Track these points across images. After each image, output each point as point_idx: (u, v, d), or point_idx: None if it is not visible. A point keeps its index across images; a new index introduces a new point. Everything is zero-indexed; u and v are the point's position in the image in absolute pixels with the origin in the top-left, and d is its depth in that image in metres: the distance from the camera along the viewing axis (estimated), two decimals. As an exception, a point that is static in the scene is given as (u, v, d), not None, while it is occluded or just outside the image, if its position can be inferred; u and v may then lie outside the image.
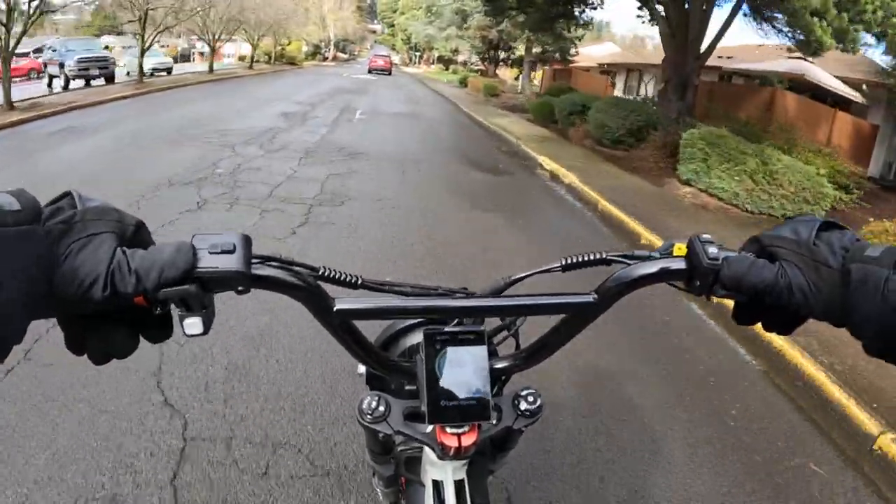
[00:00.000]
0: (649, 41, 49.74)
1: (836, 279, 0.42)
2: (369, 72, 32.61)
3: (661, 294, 3.18)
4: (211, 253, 0.42)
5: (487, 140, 10.00)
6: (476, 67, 47.68)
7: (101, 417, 1.92)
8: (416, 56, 62.12)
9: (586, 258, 0.54)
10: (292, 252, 3.51)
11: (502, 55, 20.85)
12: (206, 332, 0.44)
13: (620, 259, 0.53)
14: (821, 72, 10.60)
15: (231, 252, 0.42)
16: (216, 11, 20.40)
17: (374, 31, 79.85)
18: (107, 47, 21.70)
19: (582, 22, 14.70)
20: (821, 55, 8.05)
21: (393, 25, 68.94)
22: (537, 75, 31.72)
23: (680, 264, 0.49)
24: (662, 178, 6.99)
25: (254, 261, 0.45)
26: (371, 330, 0.65)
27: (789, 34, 8.17)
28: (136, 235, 0.42)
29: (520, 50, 19.92)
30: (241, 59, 36.68)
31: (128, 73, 22.14)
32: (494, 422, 0.59)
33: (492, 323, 0.65)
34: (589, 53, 28.02)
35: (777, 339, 2.84)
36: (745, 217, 5.74)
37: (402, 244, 3.97)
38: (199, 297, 0.42)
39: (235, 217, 4.25)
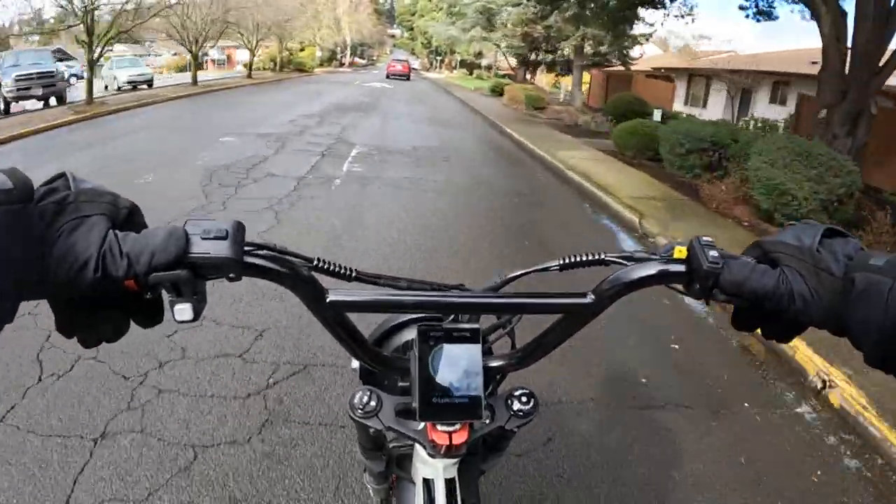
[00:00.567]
0: (677, 40, 44.98)
1: (838, 287, 0.41)
2: (387, 77, 30.88)
3: None
4: (203, 238, 0.41)
5: (571, 203, 5.96)
6: (503, 72, 43.92)
7: None
8: (436, 60, 58.51)
9: (584, 258, 0.53)
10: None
11: (545, 57, 16.79)
12: (195, 318, 0.43)
13: (619, 260, 0.52)
14: None
15: (224, 238, 0.41)
16: (198, 12, 16.88)
17: (392, 36, 77.47)
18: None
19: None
20: None
21: (412, 29, 65.80)
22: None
23: (679, 267, 0.48)
24: None
25: (247, 248, 0.44)
26: (367, 324, 0.61)
27: None
28: (130, 219, 0.42)
29: (566, 50, 15.79)
30: (246, 66, 33.44)
31: (106, 88, 19.06)
32: (487, 421, 0.57)
33: (488, 321, 0.66)
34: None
35: None
36: None
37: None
38: (191, 283, 0.41)
39: None
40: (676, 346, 2.83)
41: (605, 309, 0.52)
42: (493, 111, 14.31)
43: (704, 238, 0.47)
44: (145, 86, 18.86)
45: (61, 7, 11.99)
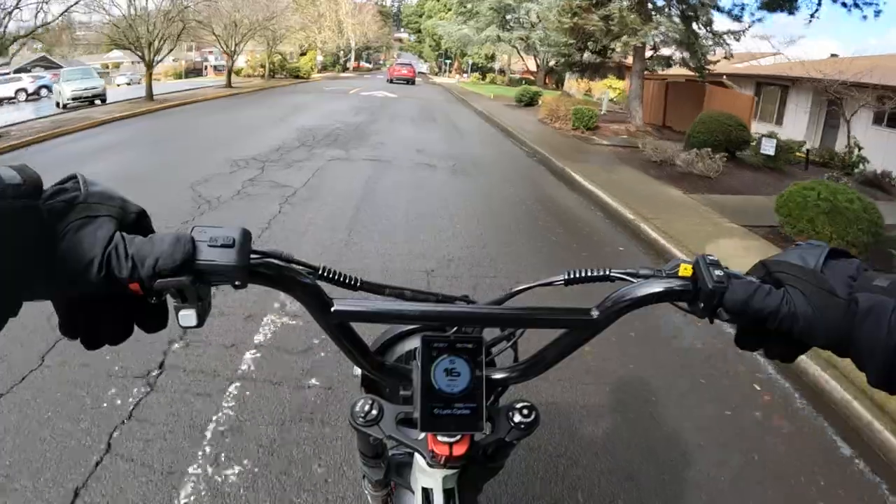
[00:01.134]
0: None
1: (842, 308, 0.41)
2: (390, 82, 28.89)
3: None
4: (210, 246, 0.41)
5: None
6: (517, 76, 40.17)
7: None
8: (445, 64, 54.83)
9: (590, 273, 0.53)
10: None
11: (593, 59, 12.96)
12: (200, 324, 0.43)
13: (625, 276, 0.52)
14: None
15: (230, 246, 0.41)
16: (148, 13, 13.29)
17: (400, 40, 74.26)
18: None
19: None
20: None
21: (419, 31, 62.25)
22: (617, 89, 23.77)
23: (685, 285, 0.48)
24: None
25: (253, 256, 0.44)
26: (369, 329, 0.58)
27: None
28: (138, 223, 0.42)
29: (619, 48, 11.95)
30: (237, 73, 29.90)
31: (58, 105, 15.75)
32: (487, 433, 0.57)
33: (492, 332, 0.64)
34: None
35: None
36: None
37: None
38: (195, 289, 0.41)
39: None
40: None
41: (609, 325, 0.51)
42: (535, 135, 10.44)
43: (710, 256, 0.47)
44: (99, 101, 15.54)
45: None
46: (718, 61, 12.50)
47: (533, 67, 34.21)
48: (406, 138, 9.56)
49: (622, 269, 0.52)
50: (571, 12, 10.52)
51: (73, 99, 14.92)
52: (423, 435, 0.54)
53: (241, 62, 27.62)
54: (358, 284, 0.51)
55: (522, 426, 0.58)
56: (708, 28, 11.63)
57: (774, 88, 16.79)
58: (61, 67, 45.19)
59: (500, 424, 0.58)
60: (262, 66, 26.08)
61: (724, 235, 4.82)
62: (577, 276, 0.53)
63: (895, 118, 10.44)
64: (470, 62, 44.80)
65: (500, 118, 13.18)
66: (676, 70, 13.17)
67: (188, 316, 0.42)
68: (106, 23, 13.41)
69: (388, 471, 0.74)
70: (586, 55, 12.94)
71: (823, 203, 4.39)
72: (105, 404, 2.05)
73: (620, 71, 18.50)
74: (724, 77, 15.25)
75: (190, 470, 1.76)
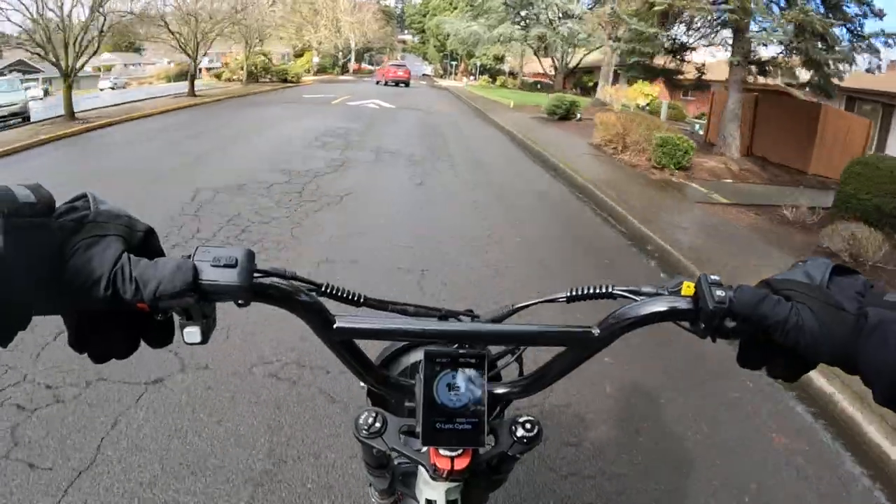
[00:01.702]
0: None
1: (850, 323, 0.41)
2: (385, 84, 27.68)
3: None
4: (213, 266, 0.42)
5: None
6: (531, 80, 36.44)
7: None
8: (451, 66, 51.19)
9: (592, 290, 0.53)
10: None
11: (663, 61, 9.36)
12: (204, 341, 0.44)
13: (627, 294, 0.52)
14: None
15: (233, 266, 0.42)
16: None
17: (403, 42, 70.97)
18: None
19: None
20: None
21: (423, 31, 58.61)
22: (650, 95, 20.11)
23: (687, 304, 0.47)
24: None
25: (256, 274, 0.45)
26: (373, 343, 0.56)
27: None
28: (145, 241, 0.43)
29: (698, 52, 8.41)
30: (218, 76, 26.31)
31: None
32: (490, 446, 0.57)
33: (496, 346, 0.64)
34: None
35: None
36: None
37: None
38: (199, 308, 0.43)
39: None
40: None
41: (611, 342, 0.51)
42: (606, 181, 6.66)
43: (712, 276, 0.46)
44: (20, 119, 12.18)
45: None
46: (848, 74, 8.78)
47: (542, 69, 30.56)
48: (398, 211, 5.18)
49: (625, 286, 0.52)
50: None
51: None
52: (425, 448, 0.54)
53: (205, 63, 24.07)
54: (361, 301, 0.53)
55: (525, 440, 0.58)
56: (849, 26, 7.97)
57: (874, 106, 13.10)
58: (41, 72, 41.67)
59: (502, 438, 0.58)
60: (242, 69, 22.49)
61: None
62: (580, 293, 0.54)
63: None
64: (478, 64, 41.09)
65: (538, 143, 9.50)
66: (758, 79, 9.47)
67: (193, 333, 0.43)
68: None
69: (393, 480, 0.72)
70: (659, 58, 9.31)
71: None
72: None
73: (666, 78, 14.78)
74: (806, 90, 11.57)
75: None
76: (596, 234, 5.09)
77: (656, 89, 23.61)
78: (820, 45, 7.63)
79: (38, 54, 10.42)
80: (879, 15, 8.03)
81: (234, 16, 15.16)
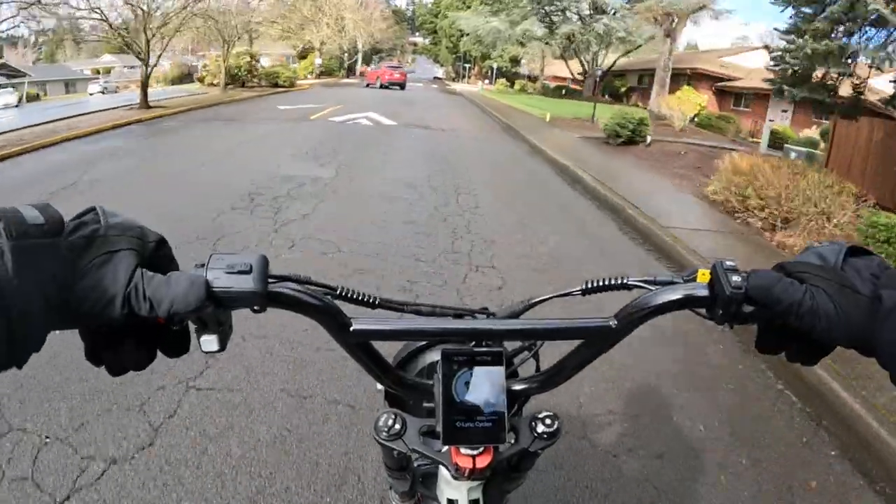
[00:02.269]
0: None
1: (865, 305, 0.40)
2: (381, 87, 26.68)
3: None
4: (227, 273, 0.41)
5: None
6: (552, 84, 32.76)
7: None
8: (464, 68, 47.72)
9: (607, 282, 0.53)
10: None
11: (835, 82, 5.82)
12: (222, 349, 0.44)
13: (642, 284, 0.51)
14: None
15: (247, 272, 0.42)
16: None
17: (414, 44, 67.92)
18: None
19: None
20: None
21: (435, 32, 55.20)
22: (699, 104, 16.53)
23: (703, 291, 0.47)
24: None
25: (270, 280, 0.44)
26: (389, 342, 0.56)
27: None
28: (158, 251, 0.42)
29: (829, 60, 4.73)
30: (200, 80, 22.98)
31: None
32: (510, 443, 0.57)
33: (512, 342, 0.65)
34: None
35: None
36: None
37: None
38: (215, 316, 0.42)
39: None
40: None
41: (629, 333, 0.51)
42: None
43: (727, 262, 0.46)
44: None
45: None
46: None
47: (564, 73, 26.84)
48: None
49: (640, 276, 0.51)
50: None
51: None
52: (446, 448, 0.54)
53: (161, 66, 20.84)
54: (377, 302, 0.53)
55: (546, 436, 0.57)
56: None
57: None
58: (26, 75, 38.37)
59: (522, 435, 0.58)
60: (229, 73, 19.13)
61: None
62: (595, 285, 0.53)
63: None
64: (494, 66, 37.54)
65: (624, 198, 5.93)
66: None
67: (210, 341, 0.43)
68: None
69: (413, 482, 0.70)
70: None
71: None
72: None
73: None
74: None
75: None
76: None
77: (704, 97, 19.91)
78: None
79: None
80: None
81: (190, 6, 11.63)
